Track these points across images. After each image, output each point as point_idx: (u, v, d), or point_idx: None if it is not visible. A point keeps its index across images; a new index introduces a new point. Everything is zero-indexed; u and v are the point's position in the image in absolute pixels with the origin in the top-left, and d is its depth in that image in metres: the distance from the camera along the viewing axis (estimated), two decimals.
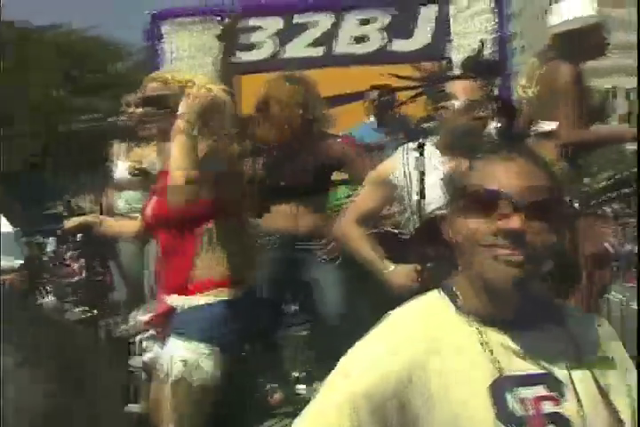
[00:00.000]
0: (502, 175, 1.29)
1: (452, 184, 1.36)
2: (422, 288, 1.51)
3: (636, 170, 3.79)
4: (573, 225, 3.62)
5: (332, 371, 1.34)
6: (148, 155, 4.35)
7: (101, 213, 4.43)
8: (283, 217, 3.86)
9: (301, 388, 4.63)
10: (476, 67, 4.77)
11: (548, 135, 3.80)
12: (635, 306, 4.18)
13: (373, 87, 5.33)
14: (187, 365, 2.62)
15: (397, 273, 2.94)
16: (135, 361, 2.83)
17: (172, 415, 2.62)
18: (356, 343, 1.36)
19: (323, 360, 4.85)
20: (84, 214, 3.66)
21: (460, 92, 3.01)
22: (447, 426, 1.25)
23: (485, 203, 1.27)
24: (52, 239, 6.75)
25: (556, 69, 3.85)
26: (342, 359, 1.35)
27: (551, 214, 1.28)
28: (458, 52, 5.65)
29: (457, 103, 2.98)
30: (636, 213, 3.95)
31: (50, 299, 7.47)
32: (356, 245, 3.14)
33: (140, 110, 2.86)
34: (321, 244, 3.81)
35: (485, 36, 5.56)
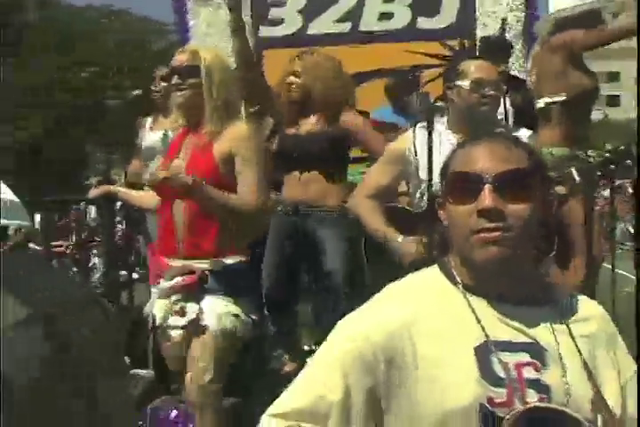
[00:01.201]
0: (477, 159, 1.37)
1: (443, 170, 1.45)
2: (428, 260, 1.58)
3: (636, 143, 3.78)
4: (574, 196, 3.63)
5: (333, 330, 1.42)
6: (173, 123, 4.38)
7: (127, 183, 4.49)
8: (291, 185, 3.92)
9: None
10: (488, 46, 4.77)
11: (550, 119, 3.82)
12: None
13: (392, 71, 5.33)
14: (238, 317, 2.82)
15: (406, 243, 2.98)
16: (171, 320, 2.91)
17: (210, 366, 2.80)
18: (358, 309, 1.45)
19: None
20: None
21: (472, 71, 3.02)
22: (433, 383, 1.31)
23: (462, 186, 1.36)
24: (91, 207, 6.94)
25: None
26: (339, 322, 1.43)
27: (530, 193, 1.35)
28: (483, 31, 5.62)
29: (466, 82, 2.99)
30: (635, 210, 3.93)
31: (96, 261, 7.59)
32: (367, 217, 3.18)
33: (167, 83, 2.93)
34: (329, 209, 3.83)
35: (513, 14, 5.52)
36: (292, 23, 5.88)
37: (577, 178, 3.58)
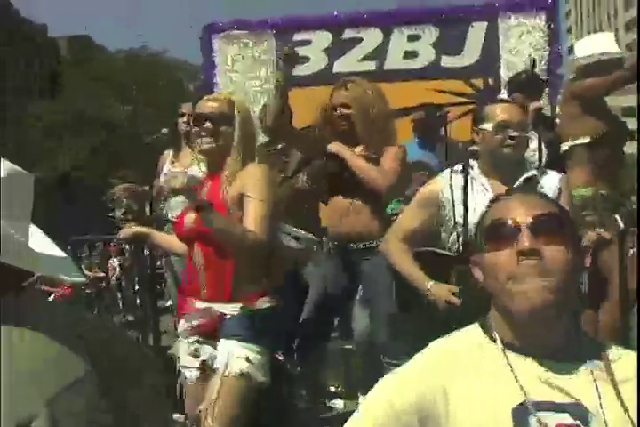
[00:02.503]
0: (512, 208, 1.42)
1: (479, 224, 1.49)
2: (462, 309, 1.58)
3: None
4: (622, 241, 3.63)
5: (373, 388, 1.45)
6: (191, 163, 4.43)
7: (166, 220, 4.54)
8: (338, 214, 3.86)
9: (337, 403, 4.64)
10: (519, 84, 4.79)
11: (575, 160, 3.86)
12: None
13: (422, 104, 5.34)
14: (249, 361, 2.76)
15: (438, 289, 2.97)
16: (186, 361, 2.92)
17: (224, 412, 2.73)
18: (401, 366, 1.46)
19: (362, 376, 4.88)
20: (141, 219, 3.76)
21: (497, 113, 3.02)
22: None
23: (500, 233, 1.38)
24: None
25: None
26: (383, 378, 1.45)
27: (565, 237, 1.37)
28: (507, 69, 5.66)
29: (489, 125, 3.00)
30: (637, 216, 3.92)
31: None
32: (399, 262, 3.17)
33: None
34: (374, 245, 3.71)
35: (536, 53, 5.56)
36: (318, 62, 5.96)
37: (621, 224, 3.58)
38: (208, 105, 2.93)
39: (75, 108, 26.80)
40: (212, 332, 2.87)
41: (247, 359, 2.76)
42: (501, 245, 1.37)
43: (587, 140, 3.87)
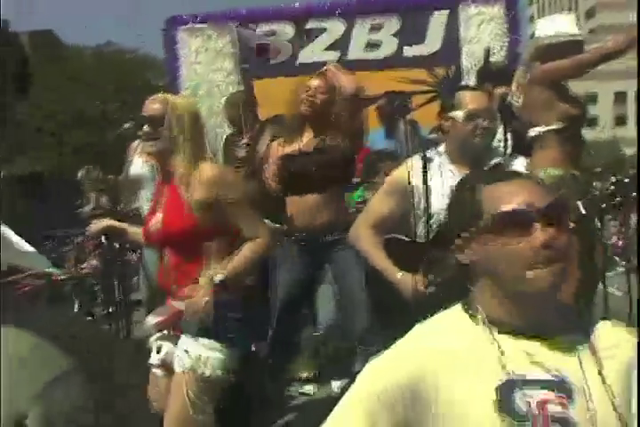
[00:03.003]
0: (517, 195, 1.40)
1: (467, 210, 1.45)
2: (433, 297, 1.59)
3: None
4: (581, 228, 3.70)
5: (361, 372, 1.47)
6: None
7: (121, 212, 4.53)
8: (299, 209, 3.91)
9: (308, 388, 4.69)
10: (488, 74, 4.85)
11: (543, 144, 3.90)
12: None
13: (387, 93, 5.37)
14: (194, 358, 2.74)
15: (404, 280, 2.99)
16: (153, 359, 2.94)
17: (185, 406, 2.72)
18: (386, 351, 1.48)
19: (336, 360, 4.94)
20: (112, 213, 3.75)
21: (466, 102, 3.05)
22: (456, 421, 1.34)
23: (513, 223, 1.37)
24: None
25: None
26: (371, 361, 1.47)
27: (567, 223, 1.40)
28: (468, 58, 5.73)
29: (460, 113, 3.03)
30: (637, 212, 4.01)
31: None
32: (367, 251, 3.19)
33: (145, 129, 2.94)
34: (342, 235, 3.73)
35: (496, 41, 5.64)
36: (282, 53, 5.97)
37: (583, 210, 3.63)
38: (147, 107, 2.92)
39: (47, 108, 26.88)
40: (175, 328, 2.87)
41: (198, 355, 2.74)
42: (516, 234, 1.37)
43: (559, 125, 3.89)
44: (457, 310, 1.47)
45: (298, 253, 3.97)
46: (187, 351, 2.75)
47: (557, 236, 1.36)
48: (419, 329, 1.48)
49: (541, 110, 3.93)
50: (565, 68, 3.88)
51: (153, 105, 2.90)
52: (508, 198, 1.40)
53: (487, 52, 4.92)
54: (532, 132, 3.95)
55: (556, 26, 4.05)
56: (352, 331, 3.99)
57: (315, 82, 3.93)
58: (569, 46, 3.92)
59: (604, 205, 4.18)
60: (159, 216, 2.91)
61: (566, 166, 3.85)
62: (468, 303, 1.46)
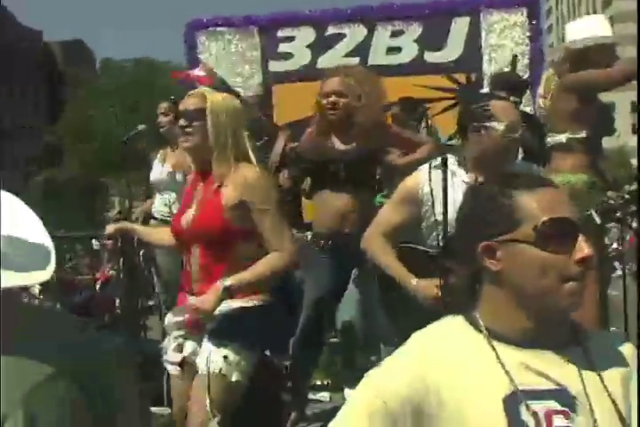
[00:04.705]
0: (560, 204, 1.35)
1: (496, 216, 1.37)
2: (446, 303, 1.54)
3: None
4: (597, 238, 3.65)
5: (360, 383, 1.42)
6: (183, 161, 4.46)
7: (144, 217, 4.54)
8: (331, 217, 3.86)
9: (324, 396, 4.66)
10: (503, 82, 4.82)
11: (567, 149, 3.87)
12: None
13: (401, 99, 5.34)
14: (227, 361, 2.71)
15: (421, 286, 2.95)
16: (170, 355, 2.91)
17: (205, 408, 2.69)
18: (385, 360, 1.45)
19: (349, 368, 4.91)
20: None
21: (502, 113, 2.98)
22: None
23: (559, 234, 1.32)
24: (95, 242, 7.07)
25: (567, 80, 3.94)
26: (368, 373, 1.42)
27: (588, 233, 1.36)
28: (490, 65, 5.71)
29: (501, 125, 2.97)
30: (636, 213, 3.98)
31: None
32: (379, 258, 3.15)
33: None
34: None
35: (518, 49, 5.61)
36: (302, 58, 5.98)
37: (598, 220, 3.59)
38: (184, 102, 2.89)
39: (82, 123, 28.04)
40: (197, 328, 2.84)
41: (225, 358, 2.72)
42: (560, 244, 1.32)
43: (583, 134, 3.86)
44: (457, 319, 1.44)
45: (325, 259, 3.91)
46: (225, 357, 2.72)
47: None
48: (418, 338, 1.44)
49: (569, 118, 3.89)
50: (597, 81, 3.84)
51: (190, 99, 2.87)
52: (553, 206, 1.34)
53: (514, 59, 4.88)
54: (561, 138, 3.91)
55: (587, 29, 3.99)
56: (374, 334, 3.95)
57: (330, 86, 3.88)
58: (602, 50, 3.87)
59: (618, 214, 4.14)
60: (191, 213, 2.88)
61: (589, 173, 3.83)
62: (470, 313, 1.42)
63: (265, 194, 2.79)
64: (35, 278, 1.05)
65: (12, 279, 0.98)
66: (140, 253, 4.77)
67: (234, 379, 2.73)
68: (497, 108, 3.00)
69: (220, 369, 2.71)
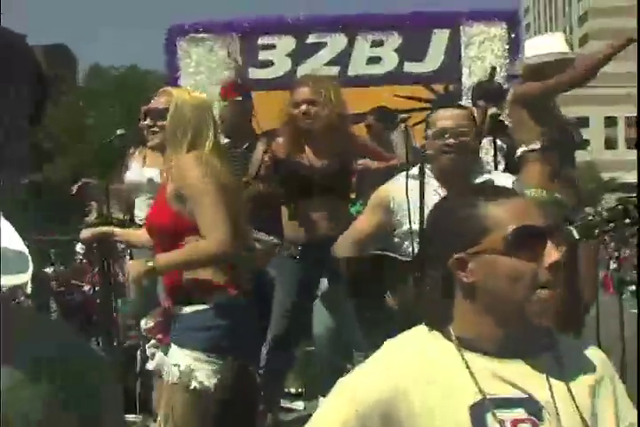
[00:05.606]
0: (528, 213, 1.36)
1: (464, 227, 1.37)
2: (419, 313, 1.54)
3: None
4: (574, 253, 3.68)
5: (331, 391, 1.43)
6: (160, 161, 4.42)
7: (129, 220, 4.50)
8: (305, 224, 3.87)
9: (298, 404, 4.64)
10: (483, 92, 4.86)
11: (530, 162, 3.89)
12: None
13: (375, 109, 5.34)
14: (180, 370, 2.62)
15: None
16: (150, 365, 2.87)
17: (166, 419, 2.64)
18: (356, 368, 1.47)
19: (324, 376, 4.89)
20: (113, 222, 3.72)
21: (437, 120, 3.04)
22: None
23: (528, 241, 1.33)
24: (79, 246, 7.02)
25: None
26: (340, 380, 1.43)
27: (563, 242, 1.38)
28: (469, 77, 5.75)
29: (430, 132, 3.03)
30: (637, 223, 4.03)
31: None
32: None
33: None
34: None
35: (497, 60, 5.66)
36: (282, 66, 5.98)
37: (577, 235, 3.62)
38: (152, 101, 2.87)
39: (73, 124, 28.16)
40: (163, 335, 2.77)
41: (178, 368, 2.63)
42: (529, 252, 1.33)
43: (537, 145, 3.88)
44: (426, 328, 1.44)
45: (296, 265, 3.91)
46: (176, 365, 2.64)
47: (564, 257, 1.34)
48: (390, 346, 1.45)
49: (523, 130, 3.94)
50: (536, 89, 3.88)
51: (158, 98, 2.84)
52: (519, 215, 1.35)
53: (493, 70, 4.93)
54: (518, 152, 3.95)
55: (543, 46, 4.05)
56: (347, 342, 3.95)
57: (301, 95, 3.85)
58: (557, 66, 3.91)
59: (596, 231, 4.18)
60: (149, 211, 2.89)
61: (549, 187, 3.83)
62: (436, 322, 1.42)
63: (193, 180, 2.62)
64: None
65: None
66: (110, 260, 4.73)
67: (191, 387, 2.62)
68: (435, 116, 3.06)
69: (180, 379, 2.62)
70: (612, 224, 4.10)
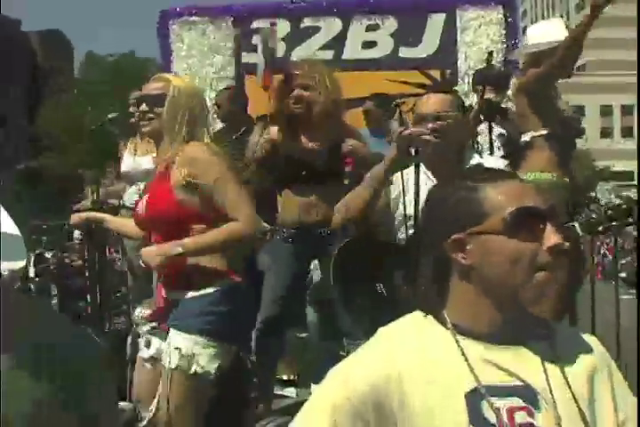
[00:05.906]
0: (526, 195, 1.35)
1: (462, 210, 1.35)
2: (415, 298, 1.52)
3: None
4: (577, 247, 3.68)
5: (325, 377, 1.42)
6: (152, 150, 4.40)
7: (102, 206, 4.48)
8: (299, 208, 3.85)
9: (290, 391, 4.63)
10: (485, 77, 4.82)
11: (533, 148, 3.89)
12: None
13: (373, 95, 5.31)
14: (182, 354, 2.62)
15: None
16: (143, 353, 2.84)
17: (166, 405, 2.62)
18: (350, 355, 1.45)
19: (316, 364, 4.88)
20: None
21: (418, 105, 3.03)
22: None
23: (528, 222, 1.32)
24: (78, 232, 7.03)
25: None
26: (331, 370, 1.42)
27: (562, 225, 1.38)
28: (465, 62, 5.70)
29: (413, 117, 3.03)
30: (636, 222, 4.02)
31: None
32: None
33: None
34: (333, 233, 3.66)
35: (494, 45, 5.61)
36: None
37: (580, 232, 3.63)
38: (147, 86, 2.83)
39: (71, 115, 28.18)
40: (162, 321, 2.75)
41: (179, 351, 2.63)
42: (528, 234, 1.32)
43: (545, 131, 3.89)
44: (419, 314, 1.43)
45: (289, 249, 3.88)
46: (177, 348, 2.63)
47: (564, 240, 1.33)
48: (384, 334, 1.43)
49: (529, 117, 3.94)
50: (531, 77, 3.88)
51: (153, 84, 2.81)
52: (518, 197, 1.34)
53: (490, 55, 4.89)
54: (524, 137, 3.96)
55: (544, 32, 4.04)
56: (339, 328, 3.93)
57: (294, 80, 3.82)
58: (553, 53, 3.89)
59: (600, 228, 4.21)
60: (145, 199, 2.80)
61: (556, 172, 3.86)
62: (433, 308, 1.41)
63: (209, 166, 2.67)
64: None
65: None
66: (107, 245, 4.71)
67: (191, 372, 2.62)
68: (418, 103, 3.05)
69: (177, 362, 2.62)
70: (614, 222, 4.15)
